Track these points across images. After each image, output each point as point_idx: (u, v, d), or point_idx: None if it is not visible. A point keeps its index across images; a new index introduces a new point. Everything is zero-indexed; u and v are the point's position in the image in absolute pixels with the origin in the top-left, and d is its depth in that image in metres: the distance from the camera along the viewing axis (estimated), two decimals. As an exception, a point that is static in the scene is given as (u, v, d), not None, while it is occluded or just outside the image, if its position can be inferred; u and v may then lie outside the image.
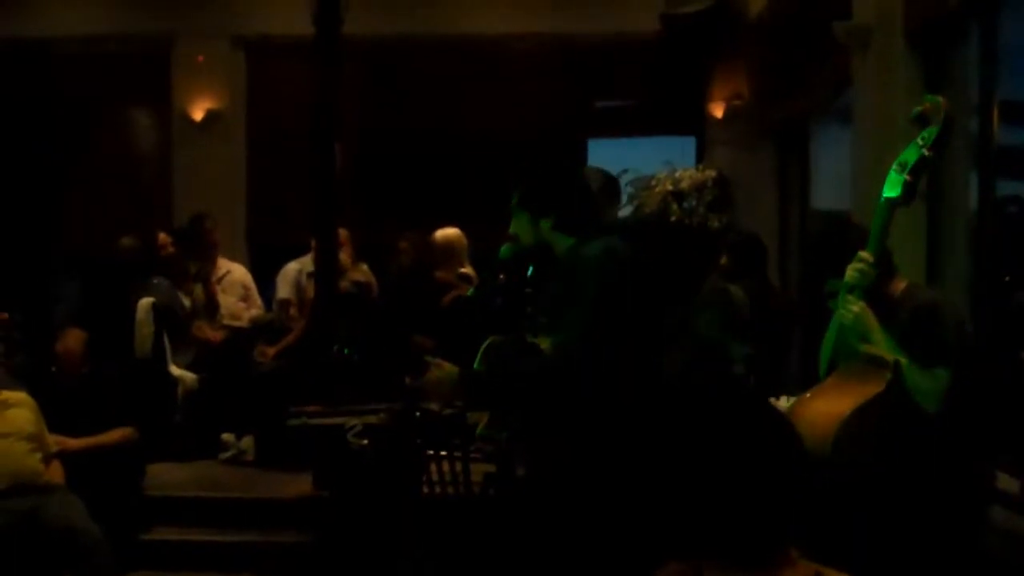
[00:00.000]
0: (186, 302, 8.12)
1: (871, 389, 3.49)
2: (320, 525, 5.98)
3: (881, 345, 3.57)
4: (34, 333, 7.60)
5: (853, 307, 3.59)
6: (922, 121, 3.63)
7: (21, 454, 5.71)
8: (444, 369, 3.55)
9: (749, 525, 1.96)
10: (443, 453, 5.17)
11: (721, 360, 5.25)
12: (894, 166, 3.63)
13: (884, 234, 3.61)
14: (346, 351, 6.90)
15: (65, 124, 10.87)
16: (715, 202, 9.51)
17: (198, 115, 10.55)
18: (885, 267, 3.67)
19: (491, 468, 4.92)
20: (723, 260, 6.98)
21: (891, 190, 3.60)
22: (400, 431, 5.41)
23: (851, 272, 3.58)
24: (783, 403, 4.05)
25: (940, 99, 3.68)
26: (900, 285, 3.78)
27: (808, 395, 3.72)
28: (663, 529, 2.04)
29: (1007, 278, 5.70)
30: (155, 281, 7.83)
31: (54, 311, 8.30)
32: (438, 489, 5.15)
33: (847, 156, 6.99)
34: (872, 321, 3.58)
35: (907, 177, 3.59)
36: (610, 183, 4.50)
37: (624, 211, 9.62)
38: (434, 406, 5.11)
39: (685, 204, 9.53)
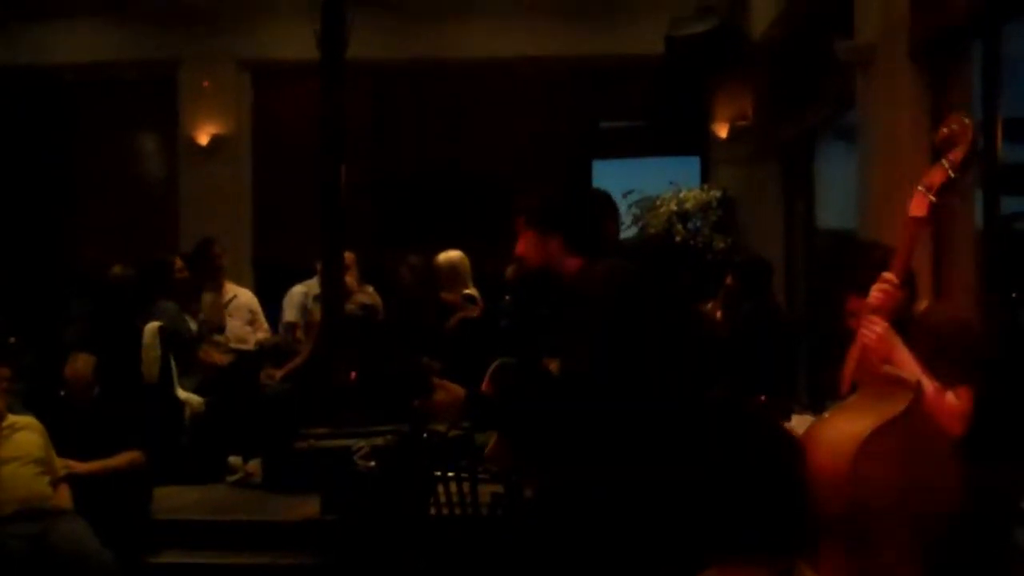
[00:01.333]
0: (192, 325, 8.14)
1: (892, 409, 3.47)
2: (328, 548, 5.96)
3: (904, 366, 3.56)
4: (43, 357, 7.61)
5: (876, 327, 3.58)
6: (947, 142, 3.62)
7: (29, 478, 5.71)
8: (450, 391, 3.54)
9: (769, 533, 1.98)
10: (450, 474, 5.18)
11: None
12: (919, 186, 3.61)
13: (910, 254, 3.60)
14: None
15: (73, 149, 10.93)
16: (720, 222, 9.55)
17: (204, 139, 10.60)
18: (910, 288, 3.66)
19: (499, 489, 4.92)
20: (728, 281, 7.01)
21: (917, 211, 3.59)
22: (407, 453, 5.40)
23: (876, 292, 3.58)
24: (793, 421, 4.04)
25: (967, 119, 3.67)
26: (920, 305, 3.78)
27: (828, 415, 3.70)
28: (687, 540, 2.06)
29: (1014, 295, 5.69)
30: (162, 305, 7.84)
31: (63, 334, 8.32)
32: (445, 510, 5.15)
33: (852, 174, 7.00)
34: (896, 342, 3.57)
35: (933, 198, 3.58)
36: (608, 204, 4.47)
37: (629, 232, 9.67)
38: (441, 427, 5.11)
39: (690, 224, 9.57)
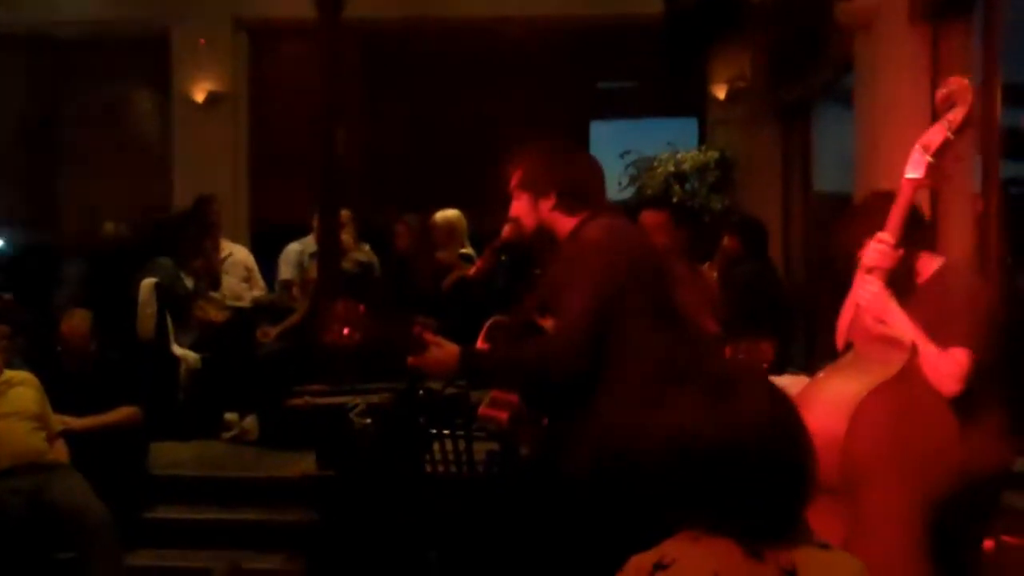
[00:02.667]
0: (188, 282, 8.13)
1: (887, 371, 3.48)
2: (323, 504, 5.99)
3: (898, 327, 3.57)
4: (37, 314, 7.62)
5: (871, 287, 3.59)
6: (947, 103, 3.62)
7: (24, 433, 5.71)
8: (445, 348, 3.54)
9: (760, 500, 1.99)
10: (446, 432, 5.20)
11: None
12: (917, 146, 3.62)
13: (906, 213, 3.61)
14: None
15: (68, 107, 10.88)
16: (717, 184, 9.54)
17: (200, 97, 10.55)
18: (910, 246, 3.66)
19: (494, 447, 4.95)
20: (726, 242, 7.01)
21: (914, 171, 3.60)
22: (403, 410, 5.42)
23: (871, 252, 3.58)
24: (786, 380, 4.04)
25: (966, 80, 3.67)
26: (932, 264, 3.77)
27: (822, 374, 3.71)
28: (672, 504, 2.07)
29: (1009, 259, 5.71)
30: (158, 262, 7.84)
31: (57, 292, 8.33)
32: (441, 468, 5.17)
33: (850, 137, 7.00)
34: (890, 302, 3.58)
35: (931, 159, 3.58)
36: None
37: (626, 192, 9.66)
38: (436, 385, 5.12)
39: (687, 186, 9.56)
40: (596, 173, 3.80)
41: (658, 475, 2.08)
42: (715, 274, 7.02)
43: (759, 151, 9.82)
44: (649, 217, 5.67)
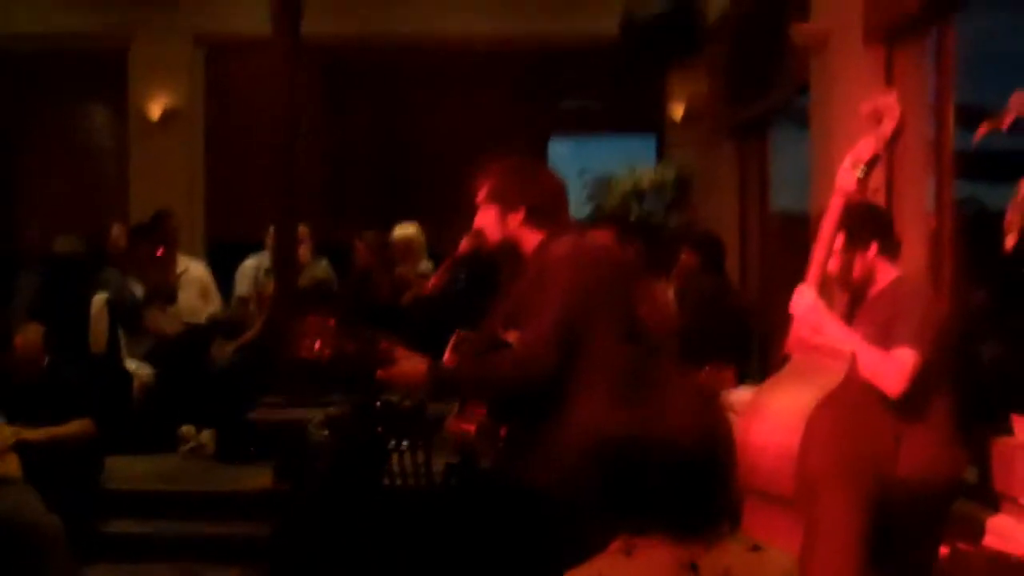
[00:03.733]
0: (138, 291, 8.06)
1: (829, 380, 3.52)
2: (281, 517, 5.97)
3: (835, 336, 3.61)
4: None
5: (805, 298, 3.64)
6: (875, 117, 3.69)
7: (-24, 448, 5.66)
8: (413, 362, 3.55)
9: (688, 501, 2.02)
10: (404, 444, 5.20)
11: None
12: (847, 162, 3.69)
13: (836, 228, 3.67)
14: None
15: (22, 121, 10.79)
16: (675, 202, 9.59)
17: (156, 113, 10.49)
18: (857, 246, 3.73)
19: (453, 459, 4.94)
20: (684, 257, 7.05)
21: (845, 184, 3.67)
22: (361, 423, 5.42)
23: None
24: (742, 393, 4.08)
25: (893, 96, 3.75)
26: (890, 275, 3.82)
27: (765, 386, 3.75)
28: (612, 509, 2.09)
29: (964, 279, 5.77)
30: (105, 273, 7.77)
31: (9, 306, 8.24)
32: (399, 481, 5.17)
33: (806, 156, 7.06)
34: (824, 312, 3.63)
35: (861, 173, 3.65)
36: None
37: (584, 210, 9.70)
38: (395, 397, 5.13)
39: (645, 204, 9.61)
40: (561, 190, 3.84)
41: (585, 477, 2.10)
42: (671, 291, 7.05)
43: (716, 170, 9.88)
44: (597, 234, 5.73)
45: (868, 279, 3.84)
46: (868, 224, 3.86)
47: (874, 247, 3.82)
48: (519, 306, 3.64)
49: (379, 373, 3.55)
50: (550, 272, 3.52)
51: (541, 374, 3.41)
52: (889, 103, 3.70)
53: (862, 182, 3.66)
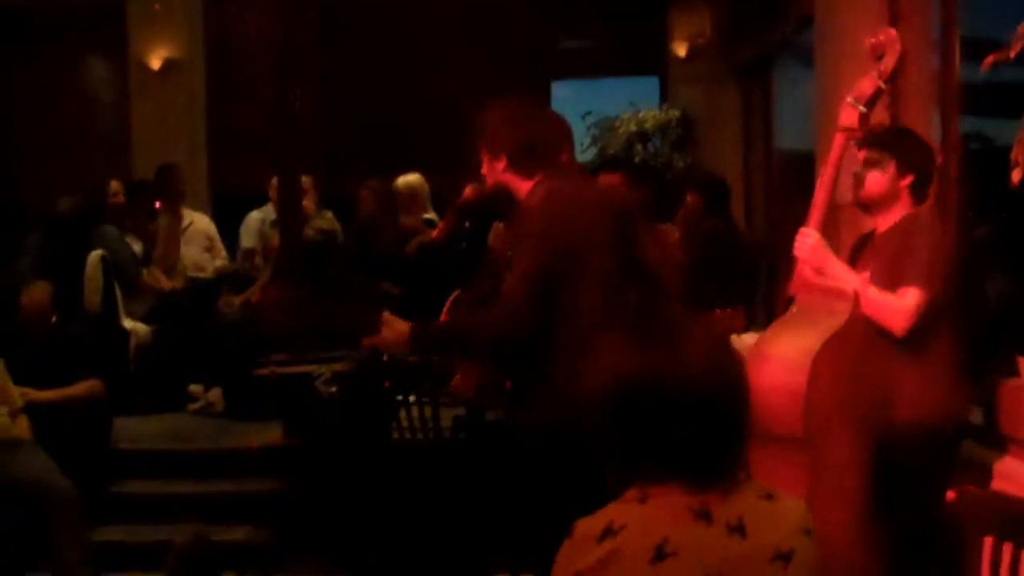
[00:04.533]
0: (136, 248, 8.02)
1: (834, 321, 3.50)
2: (291, 474, 5.98)
3: (838, 277, 3.58)
4: (-2, 287, 7.52)
5: (808, 240, 3.61)
6: (874, 52, 3.65)
7: (-15, 410, 5.67)
8: (394, 327, 3.53)
9: (703, 446, 2.00)
10: (412, 399, 5.19)
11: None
12: (849, 98, 3.64)
13: (839, 163, 3.63)
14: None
15: (21, 76, 10.71)
16: (679, 142, 9.54)
17: (156, 64, 10.41)
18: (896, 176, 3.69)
19: (460, 412, 4.94)
20: (688, 200, 7.00)
21: (847, 120, 3.63)
22: (368, 378, 5.41)
23: (798, 247, 3.62)
24: (748, 338, 4.05)
25: (894, 31, 3.70)
26: (901, 211, 3.76)
27: (769, 331, 3.73)
28: (626, 455, 2.06)
29: (970, 214, 5.73)
30: (102, 230, 7.74)
31: (15, 265, 8.22)
32: (407, 435, 5.17)
33: (811, 94, 6.98)
34: (827, 253, 3.60)
35: (863, 108, 3.60)
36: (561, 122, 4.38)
37: (588, 153, 9.64)
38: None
39: (649, 145, 9.55)
40: (555, 132, 3.73)
41: (599, 423, 2.08)
42: (677, 234, 7.00)
43: (720, 109, 9.82)
44: (605, 178, 5.67)
45: (886, 207, 3.77)
46: (917, 157, 3.77)
47: (910, 179, 3.74)
48: (508, 258, 3.61)
49: (364, 341, 3.54)
50: (524, 222, 3.47)
51: (517, 329, 3.38)
52: (890, 38, 3.66)
53: (864, 118, 3.62)
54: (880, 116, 3.69)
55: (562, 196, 3.50)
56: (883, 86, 3.63)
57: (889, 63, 3.62)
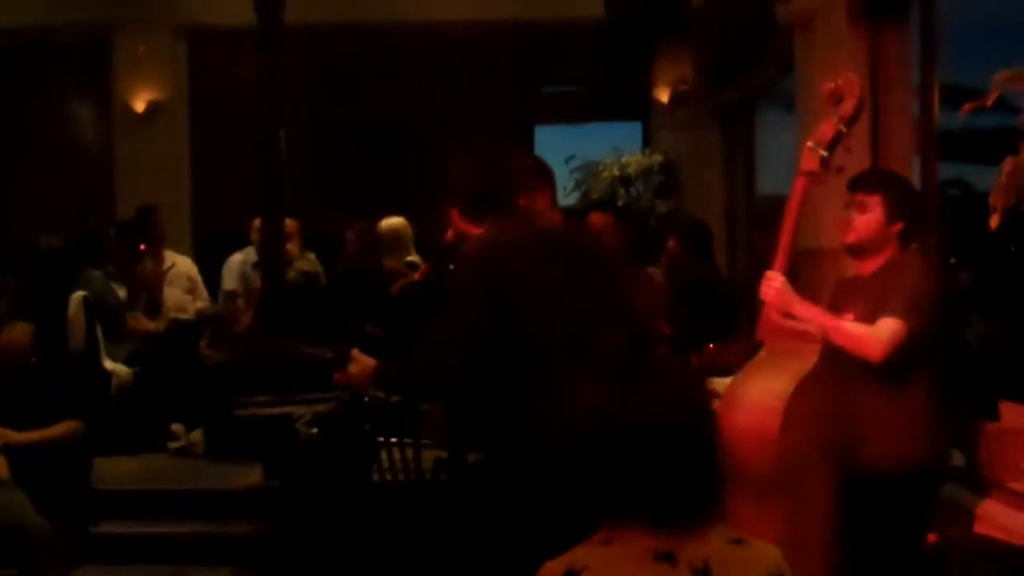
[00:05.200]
0: (120, 293, 8.01)
1: (804, 364, 3.52)
2: (271, 515, 5.95)
3: (806, 318, 3.60)
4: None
5: (774, 283, 3.63)
6: (834, 97, 3.69)
7: (-37, 450, 5.63)
8: (361, 363, 3.53)
9: (669, 488, 2.00)
10: (393, 440, 5.17)
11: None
12: (809, 143, 3.68)
13: (800, 208, 3.66)
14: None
15: (5, 116, 10.73)
16: (662, 187, 9.59)
17: (140, 106, 10.45)
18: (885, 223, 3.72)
19: (442, 454, 4.93)
20: (670, 244, 7.03)
21: (808, 164, 3.67)
22: (349, 419, 5.39)
23: (764, 291, 3.64)
24: (722, 383, 4.06)
25: (854, 75, 3.76)
26: (887, 256, 3.78)
27: (740, 375, 3.74)
28: (594, 496, 2.06)
29: (952, 260, 5.75)
30: (87, 274, 7.73)
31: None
32: (389, 476, 5.14)
33: (792, 139, 7.03)
34: (792, 296, 3.61)
35: (824, 152, 3.65)
36: (536, 167, 4.34)
37: (572, 198, 9.68)
38: (381, 393, 5.10)
39: (632, 189, 9.60)
40: (515, 179, 3.65)
41: (568, 462, 2.09)
42: (660, 277, 7.03)
43: (703, 153, 9.87)
44: (596, 218, 5.79)
45: (874, 252, 3.79)
46: (907, 203, 3.81)
47: (900, 226, 3.77)
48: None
49: (336, 376, 3.57)
50: (457, 271, 3.44)
51: (431, 379, 3.39)
52: (849, 81, 3.70)
53: (824, 162, 3.66)
54: (840, 159, 3.71)
55: (497, 241, 3.41)
56: (843, 129, 3.67)
57: (848, 107, 3.67)
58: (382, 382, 3.62)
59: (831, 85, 3.70)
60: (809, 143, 3.68)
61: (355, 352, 3.53)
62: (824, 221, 4.57)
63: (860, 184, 3.78)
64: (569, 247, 3.59)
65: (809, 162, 3.66)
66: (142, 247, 8.27)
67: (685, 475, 2.00)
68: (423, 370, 3.41)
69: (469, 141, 3.69)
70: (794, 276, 3.71)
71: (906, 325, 3.51)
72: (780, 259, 3.67)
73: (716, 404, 4.00)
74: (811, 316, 3.61)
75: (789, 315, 3.61)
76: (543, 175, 4.21)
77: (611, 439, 2.00)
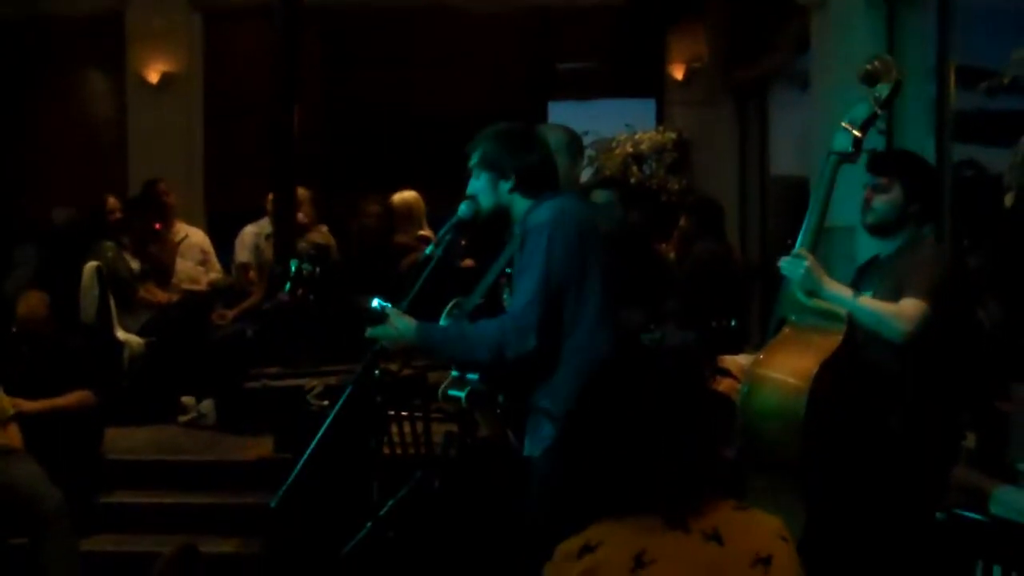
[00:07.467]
0: (133, 264, 8.03)
1: (830, 343, 3.52)
2: (280, 487, 5.95)
3: (833, 297, 3.60)
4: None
5: (804, 261, 3.62)
6: (871, 79, 3.69)
7: (-24, 419, 5.66)
8: (402, 320, 3.56)
9: (676, 468, 2.05)
10: (404, 413, 5.19)
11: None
12: (844, 122, 3.68)
13: (831, 188, 3.66)
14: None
15: (20, 89, 10.73)
16: (675, 164, 9.57)
17: (154, 78, 10.42)
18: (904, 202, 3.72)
19: (452, 428, 4.94)
20: (682, 222, 7.03)
21: (839, 145, 3.66)
22: (360, 391, 5.40)
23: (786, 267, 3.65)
24: (743, 359, 4.07)
25: (890, 58, 3.75)
26: (902, 238, 3.78)
27: (763, 354, 3.74)
28: (598, 487, 2.10)
29: (965, 241, 5.75)
30: (100, 245, 7.75)
31: (10, 276, 8.23)
32: (399, 449, 5.16)
33: (805, 119, 7.03)
34: (821, 275, 3.61)
35: (856, 133, 3.64)
36: (573, 141, 4.47)
37: (585, 174, 9.66)
38: (394, 367, 5.11)
39: (645, 166, 9.59)
40: (569, 147, 3.85)
41: (580, 443, 2.12)
42: (672, 254, 7.04)
43: (716, 132, 9.86)
44: (598, 197, 5.72)
45: (892, 231, 3.79)
46: (925, 187, 3.81)
47: (918, 207, 3.77)
48: (514, 272, 3.65)
49: (369, 331, 3.57)
50: (531, 239, 3.52)
51: (524, 342, 3.42)
52: (886, 64, 3.69)
53: (857, 142, 3.65)
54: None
55: (568, 212, 3.56)
56: (878, 112, 3.67)
57: (884, 89, 3.66)
58: (426, 340, 3.61)
59: (868, 67, 3.69)
60: (844, 123, 3.67)
61: (391, 309, 3.57)
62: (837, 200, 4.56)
63: (879, 165, 3.78)
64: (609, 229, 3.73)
65: (843, 142, 3.67)
66: (157, 226, 8.29)
67: (691, 455, 2.04)
68: (502, 339, 3.45)
69: (501, 119, 3.78)
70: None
71: (928, 305, 3.51)
72: (808, 238, 3.67)
73: (726, 383, 4.03)
74: (837, 296, 3.61)
75: (815, 294, 3.61)
76: (579, 149, 4.43)
77: (614, 424, 2.04)
